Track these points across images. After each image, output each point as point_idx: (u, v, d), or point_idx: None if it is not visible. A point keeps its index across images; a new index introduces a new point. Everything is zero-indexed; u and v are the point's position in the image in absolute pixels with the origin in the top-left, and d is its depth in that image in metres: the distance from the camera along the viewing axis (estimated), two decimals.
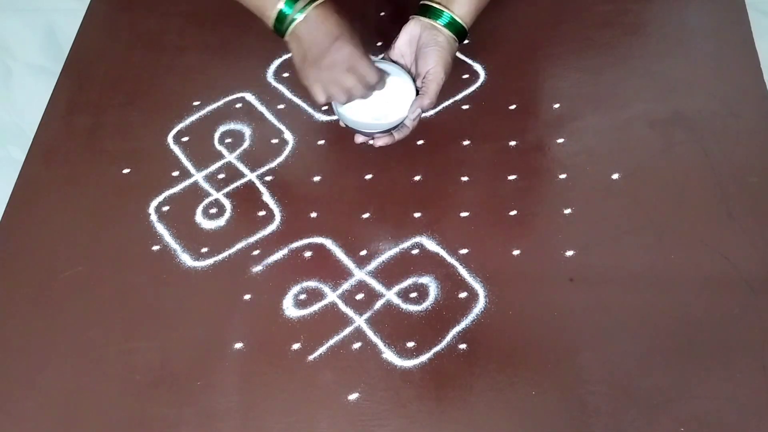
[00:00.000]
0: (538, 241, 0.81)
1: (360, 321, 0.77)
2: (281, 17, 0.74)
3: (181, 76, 1.00)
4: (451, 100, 0.93)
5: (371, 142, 0.83)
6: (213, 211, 0.87)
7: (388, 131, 0.81)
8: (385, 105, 0.79)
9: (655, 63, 0.94)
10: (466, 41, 0.83)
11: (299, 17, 0.73)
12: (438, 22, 0.78)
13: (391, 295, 0.78)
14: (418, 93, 0.80)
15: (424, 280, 0.79)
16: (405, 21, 0.82)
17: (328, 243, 0.83)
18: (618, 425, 0.69)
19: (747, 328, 0.73)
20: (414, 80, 0.81)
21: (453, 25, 0.78)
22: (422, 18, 0.79)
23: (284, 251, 0.82)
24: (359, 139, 0.84)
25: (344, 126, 0.84)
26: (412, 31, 0.80)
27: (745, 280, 0.76)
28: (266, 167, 0.90)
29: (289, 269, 0.81)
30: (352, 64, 0.75)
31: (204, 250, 0.83)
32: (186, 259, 0.83)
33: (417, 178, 0.87)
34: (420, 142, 0.90)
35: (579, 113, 0.90)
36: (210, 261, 0.82)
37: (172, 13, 1.08)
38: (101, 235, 0.86)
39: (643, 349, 0.73)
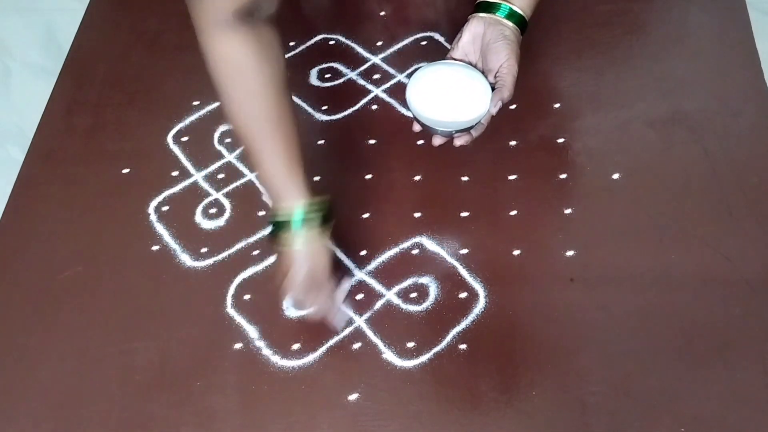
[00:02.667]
0: (538, 241, 0.81)
1: (360, 321, 0.77)
2: (283, 225, 0.70)
3: (180, 76, 1.00)
4: None
5: (454, 142, 0.80)
6: (213, 211, 0.87)
7: (468, 129, 0.79)
8: (464, 103, 0.77)
9: (655, 63, 0.94)
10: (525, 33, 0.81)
11: (299, 245, 0.70)
12: (500, 15, 0.77)
13: (391, 295, 0.78)
14: (492, 88, 0.78)
15: (424, 280, 0.79)
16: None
17: (328, 243, 0.82)
18: (618, 425, 0.69)
19: (747, 328, 0.73)
20: (485, 76, 0.79)
21: (514, 17, 0.77)
22: (483, 15, 0.78)
23: None
24: (437, 141, 0.80)
25: (419, 130, 0.81)
26: (475, 29, 0.79)
27: (745, 280, 0.76)
28: None
29: None
30: (324, 298, 0.74)
31: (204, 250, 0.83)
32: (186, 259, 0.83)
33: (417, 178, 0.87)
34: (420, 142, 0.90)
35: (579, 113, 0.90)
36: (210, 261, 0.82)
37: (172, 12, 1.08)
38: (101, 235, 0.86)
39: (643, 349, 0.73)
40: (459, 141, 0.78)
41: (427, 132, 0.80)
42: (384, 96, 0.95)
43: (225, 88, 0.68)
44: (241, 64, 0.67)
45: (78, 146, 0.94)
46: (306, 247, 0.70)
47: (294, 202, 0.70)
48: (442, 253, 0.81)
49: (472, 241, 0.81)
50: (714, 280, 0.76)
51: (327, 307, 0.75)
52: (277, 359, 0.75)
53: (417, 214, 0.84)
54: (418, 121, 0.79)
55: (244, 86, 0.68)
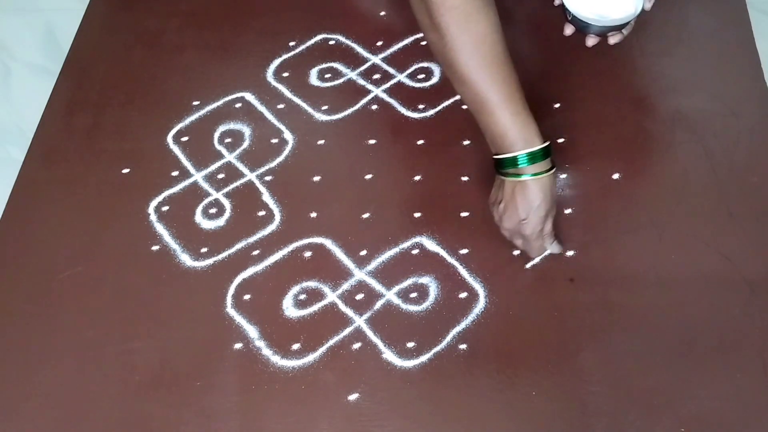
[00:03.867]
0: None
1: (360, 321, 0.77)
2: (512, 162, 0.72)
3: (180, 76, 1.00)
4: (451, 100, 0.93)
5: (608, 40, 0.83)
6: (213, 211, 0.87)
7: (620, 28, 0.81)
8: (616, 1, 0.79)
9: (655, 63, 0.94)
10: None
11: (527, 177, 0.72)
12: None
13: (391, 295, 0.78)
14: None
15: (424, 280, 0.79)
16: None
17: (328, 243, 0.82)
18: (618, 425, 0.69)
19: (747, 328, 0.73)
20: None
21: None
22: None
23: (284, 251, 0.82)
24: (591, 41, 0.83)
25: (570, 33, 0.83)
26: None
27: (745, 280, 0.76)
28: (266, 167, 0.90)
29: (289, 269, 0.81)
30: (543, 235, 0.76)
31: (204, 250, 0.83)
32: (186, 259, 0.83)
33: (417, 178, 0.87)
34: (420, 142, 0.90)
35: (579, 113, 0.90)
36: (210, 261, 0.82)
37: (172, 12, 1.08)
38: (101, 235, 0.86)
39: (643, 349, 0.73)
40: (613, 39, 0.81)
41: (581, 33, 0.82)
42: (384, 96, 0.95)
43: (454, 36, 0.69)
44: (469, 9, 0.69)
45: (78, 146, 0.94)
46: (529, 185, 0.72)
47: (527, 141, 0.71)
48: (442, 253, 0.81)
49: (472, 241, 0.81)
50: (714, 280, 0.76)
51: (535, 252, 0.77)
52: (277, 359, 0.75)
53: (417, 214, 0.84)
54: (571, 22, 0.82)
55: (475, 31, 0.69)
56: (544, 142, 0.72)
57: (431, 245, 0.81)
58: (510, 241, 0.78)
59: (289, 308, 0.78)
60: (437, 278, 0.79)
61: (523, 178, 0.72)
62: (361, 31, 1.02)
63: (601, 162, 0.86)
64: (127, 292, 0.81)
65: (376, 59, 0.99)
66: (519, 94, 0.71)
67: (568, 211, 0.82)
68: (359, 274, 0.80)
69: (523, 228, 0.74)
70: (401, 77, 0.96)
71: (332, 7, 1.05)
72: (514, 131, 0.71)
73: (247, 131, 0.93)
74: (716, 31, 0.97)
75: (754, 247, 0.78)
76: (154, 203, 0.88)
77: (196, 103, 0.97)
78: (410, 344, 0.75)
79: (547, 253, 0.78)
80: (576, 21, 0.82)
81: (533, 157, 0.71)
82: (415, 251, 0.81)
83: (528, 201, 0.73)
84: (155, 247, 0.84)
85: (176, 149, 0.93)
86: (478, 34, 0.70)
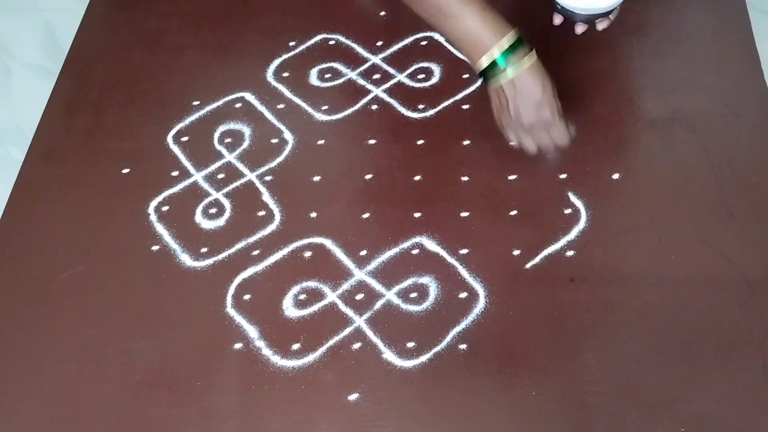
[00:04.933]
0: (537, 241, 0.80)
1: (360, 321, 0.77)
2: (491, 68, 0.74)
3: (180, 76, 1.00)
4: (451, 100, 0.93)
5: (597, 27, 0.84)
6: (213, 211, 0.87)
7: (607, 14, 0.83)
8: None
9: (655, 63, 0.94)
10: None
11: (510, 74, 0.74)
12: None
13: (391, 295, 0.78)
14: None
15: (424, 280, 0.79)
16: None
17: (328, 243, 0.82)
18: (618, 425, 0.69)
19: (747, 328, 0.73)
20: None
21: None
22: None
23: (284, 251, 0.82)
24: (579, 29, 0.84)
25: (559, 23, 0.85)
26: None
27: (745, 280, 0.76)
28: (266, 167, 0.90)
29: (289, 269, 0.81)
30: (549, 127, 0.77)
31: (204, 250, 0.83)
32: (186, 259, 0.83)
33: (417, 178, 0.87)
34: (420, 142, 0.90)
35: (579, 113, 0.90)
36: (210, 261, 0.82)
37: (172, 12, 1.08)
38: (101, 235, 0.86)
39: (643, 349, 0.73)
40: (601, 25, 0.83)
41: (569, 22, 0.84)
42: (384, 96, 0.95)
43: None
44: None
45: (78, 146, 0.94)
46: (514, 81, 0.74)
47: (503, 33, 0.73)
48: (442, 253, 0.81)
49: (472, 241, 0.81)
50: (714, 280, 0.76)
51: (550, 146, 0.79)
52: (277, 359, 0.75)
53: (417, 214, 0.84)
54: (560, 12, 0.83)
55: None
56: (512, 27, 0.74)
57: (431, 245, 0.81)
58: (532, 147, 0.79)
59: (289, 308, 0.78)
60: (437, 278, 0.79)
61: (519, 67, 0.73)
62: (361, 31, 1.02)
63: (601, 162, 0.86)
64: (127, 292, 0.81)
65: (376, 59, 0.99)
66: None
67: (567, 211, 0.82)
68: (359, 274, 0.80)
69: (542, 113, 0.75)
70: (401, 77, 0.96)
71: (332, 7, 1.05)
72: (488, 30, 0.73)
73: (247, 131, 0.93)
74: (716, 31, 0.97)
75: (754, 247, 0.78)
76: (154, 203, 0.88)
77: (196, 103, 0.97)
78: (410, 344, 0.75)
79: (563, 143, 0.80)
80: (564, 11, 0.84)
81: (515, 47, 0.73)
82: (415, 251, 0.81)
83: (536, 82, 0.74)
84: (155, 247, 0.84)
85: (176, 149, 0.93)
86: None
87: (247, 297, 0.79)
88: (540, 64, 0.75)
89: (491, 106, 0.80)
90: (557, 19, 0.85)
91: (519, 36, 0.74)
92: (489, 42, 0.73)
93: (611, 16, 0.83)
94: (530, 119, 0.77)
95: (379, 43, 1.00)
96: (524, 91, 0.75)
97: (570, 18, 0.84)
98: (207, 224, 0.86)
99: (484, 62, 0.74)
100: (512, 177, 0.86)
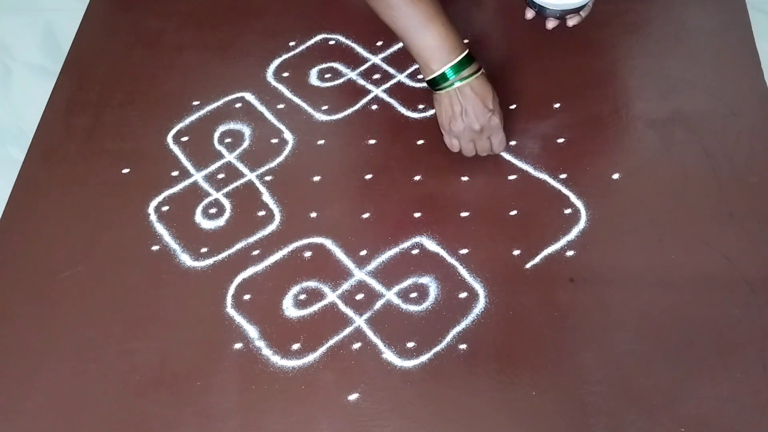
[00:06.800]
0: (537, 241, 0.81)
1: (360, 321, 0.77)
2: (441, 78, 0.79)
3: (180, 76, 1.00)
4: None
5: (567, 23, 0.86)
6: (213, 211, 0.87)
7: (578, 10, 0.84)
8: None
9: (655, 63, 0.94)
10: None
11: (458, 84, 0.78)
12: None
13: (391, 295, 0.78)
14: None
15: (424, 280, 0.79)
16: None
17: (328, 243, 0.83)
18: (618, 425, 0.69)
19: (747, 328, 0.73)
20: None
21: None
22: None
23: (284, 251, 0.82)
24: (551, 24, 0.86)
25: (531, 17, 0.87)
26: None
27: (745, 280, 0.76)
28: (266, 167, 0.90)
29: (289, 269, 0.81)
30: (491, 134, 0.82)
31: (203, 250, 0.83)
32: (185, 259, 0.83)
33: (417, 178, 0.87)
34: (420, 142, 0.90)
35: (579, 113, 0.90)
36: (210, 261, 0.82)
37: (172, 12, 1.08)
38: (100, 235, 0.86)
39: (643, 349, 0.73)
40: (571, 21, 0.85)
41: (541, 17, 0.86)
42: (384, 96, 0.95)
43: None
44: None
45: (78, 146, 0.94)
46: (463, 91, 0.79)
47: (459, 44, 0.78)
48: (442, 253, 0.81)
49: (472, 241, 0.81)
50: (714, 280, 0.76)
51: (487, 151, 0.84)
52: (277, 359, 0.75)
53: (417, 214, 0.84)
54: (531, 7, 0.85)
55: None
56: (465, 46, 0.79)
57: (431, 245, 0.81)
58: (472, 153, 0.84)
59: (289, 308, 0.78)
60: (437, 278, 0.79)
61: (467, 79, 0.78)
62: (361, 31, 1.02)
63: (601, 162, 0.86)
64: (127, 292, 0.81)
65: (376, 59, 0.99)
66: (440, 9, 0.78)
67: (567, 211, 0.82)
68: (359, 274, 0.80)
69: (493, 119, 0.80)
70: (401, 77, 0.96)
71: (332, 7, 1.06)
72: (447, 43, 0.77)
73: (247, 131, 0.93)
74: (716, 31, 0.97)
75: (754, 247, 0.78)
76: (154, 203, 0.88)
77: (196, 103, 0.97)
78: (410, 344, 0.75)
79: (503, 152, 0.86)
80: (536, 5, 0.85)
81: (470, 58, 0.79)
82: (415, 251, 0.81)
83: (487, 91, 0.79)
84: (155, 247, 0.84)
85: (176, 149, 0.93)
86: None
87: (247, 297, 0.79)
88: (486, 79, 0.80)
89: (438, 114, 0.82)
90: (529, 14, 0.87)
91: (469, 53, 0.79)
92: (446, 57, 0.78)
93: (582, 13, 0.85)
94: (482, 124, 0.80)
95: (379, 43, 1.00)
96: (478, 99, 0.79)
97: (541, 13, 0.85)
98: (207, 224, 0.86)
99: (434, 72, 0.78)
100: (512, 177, 0.86)
